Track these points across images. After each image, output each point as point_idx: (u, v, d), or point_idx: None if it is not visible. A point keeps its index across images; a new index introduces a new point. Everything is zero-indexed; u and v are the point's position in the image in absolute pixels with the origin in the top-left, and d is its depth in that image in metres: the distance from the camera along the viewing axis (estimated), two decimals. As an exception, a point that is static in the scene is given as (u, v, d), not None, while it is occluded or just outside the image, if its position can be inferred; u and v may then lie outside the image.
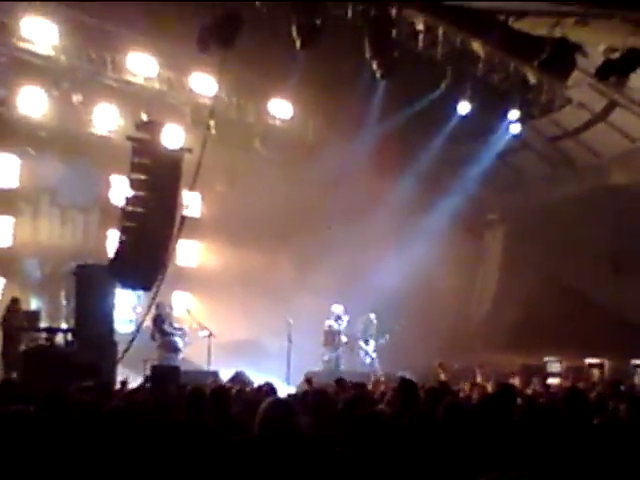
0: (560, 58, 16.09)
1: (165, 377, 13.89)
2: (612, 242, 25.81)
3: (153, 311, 19.37)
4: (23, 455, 5.61)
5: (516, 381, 18.49)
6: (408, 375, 14.11)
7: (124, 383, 13.95)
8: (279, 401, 6.58)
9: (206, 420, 7.59)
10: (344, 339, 23.22)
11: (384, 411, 7.75)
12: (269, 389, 11.55)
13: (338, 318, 23.25)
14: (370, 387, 14.41)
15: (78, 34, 18.86)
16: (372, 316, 23.94)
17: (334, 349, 22.85)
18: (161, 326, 19.56)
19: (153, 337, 19.49)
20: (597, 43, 16.68)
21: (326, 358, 22.54)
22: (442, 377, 15.81)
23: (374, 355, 23.85)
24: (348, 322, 23.44)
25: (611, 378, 21.14)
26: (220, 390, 8.88)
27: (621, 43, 14.94)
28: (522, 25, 16.16)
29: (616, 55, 15.49)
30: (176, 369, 16.27)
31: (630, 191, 23.65)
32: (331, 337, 23.02)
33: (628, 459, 5.98)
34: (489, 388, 13.38)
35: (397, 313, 24.21)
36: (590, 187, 24.78)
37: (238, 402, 9.21)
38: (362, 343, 24.05)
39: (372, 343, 24.03)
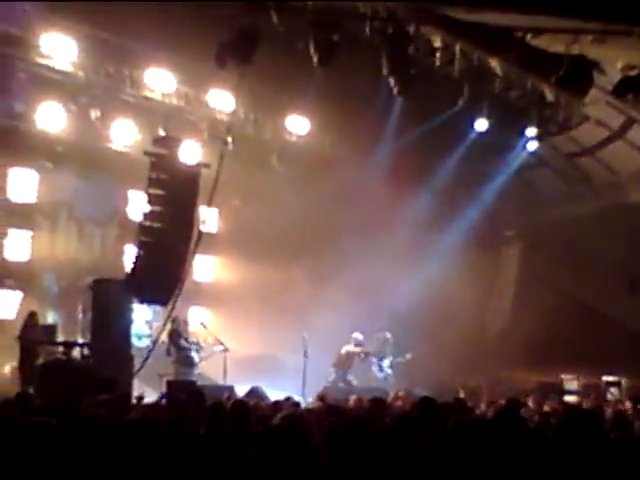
0: (577, 75, 16.07)
1: (185, 392, 13.89)
2: (628, 259, 25.72)
3: (169, 326, 19.42)
4: (42, 466, 5.64)
5: (531, 399, 18.41)
6: (423, 391, 14.15)
7: (140, 398, 13.99)
8: (293, 415, 6.60)
9: (226, 433, 7.61)
10: (357, 360, 23.27)
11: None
12: (292, 403, 11.63)
13: (358, 344, 23.29)
14: (389, 402, 14.42)
15: (97, 50, 18.95)
16: (388, 335, 23.93)
17: (342, 371, 22.81)
18: (177, 341, 19.60)
19: (169, 352, 19.51)
20: (615, 60, 16.66)
21: (331, 379, 22.48)
22: (462, 394, 15.78)
23: (389, 371, 23.84)
24: (365, 352, 23.53)
25: (629, 395, 21.07)
26: (240, 404, 8.92)
27: (639, 60, 14.94)
28: (539, 42, 16.16)
29: (634, 72, 15.49)
30: (193, 383, 16.30)
31: (647, 208, 23.62)
32: (344, 360, 23.04)
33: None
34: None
35: (413, 330, 24.21)
36: (607, 204, 24.74)
37: (255, 416, 9.22)
38: (376, 359, 24.05)
39: (387, 360, 24.02)
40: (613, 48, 15.51)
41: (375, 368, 23.96)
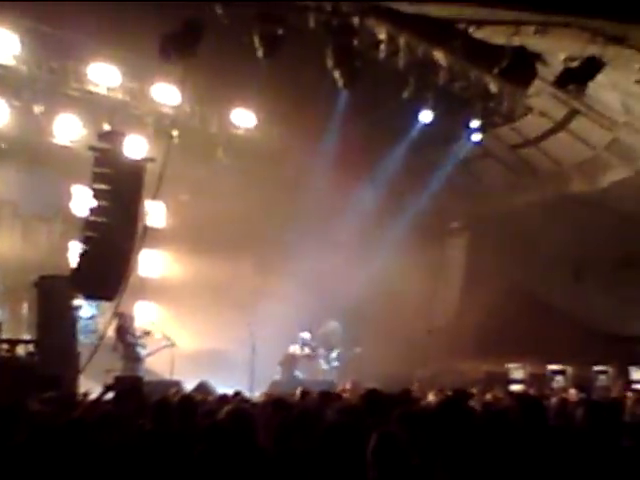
0: (520, 66, 16.19)
1: (127, 387, 13.82)
2: (573, 249, 26.00)
3: (115, 322, 19.30)
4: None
5: (477, 389, 18.54)
6: (371, 383, 14.17)
7: (86, 395, 13.88)
8: (238, 409, 6.59)
9: (172, 429, 7.58)
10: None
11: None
12: (240, 398, 11.62)
13: (305, 344, 23.38)
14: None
15: (39, 44, 18.76)
16: (335, 325, 24.03)
17: (288, 372, 22.88)
18: (123, 337, 19.47)
19: (115, 348, 19.39)
20: (556, 52, 16.82)
21: (277, 377, 22.50)
22: (410, 386, 15.79)
23: (336, 363, 23.93)
24: (312, 349, 23.64)
25: (574, 383, 21.32)
26: (186, 399, 8.90)
27: (580, 52, 15.07)
28: (482, 34, 16.25)
29: (575, 64, 15.62)
30: (139, 379, 16.20)
31: (591, 199, 23.86)
32: (290, 360, 23.12)
33: (582, 462, 6.04)
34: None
35: (362, 322, 24.30)
36: (552, 195, 24.96)
37: (202, 411, 9.19)
38: (323, 350, 24.13)
39: (335, 352, 24.11)
40: (554, 40, 15.65)
41: (322, 360, 24.04)
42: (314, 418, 7.42)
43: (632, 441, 7.01)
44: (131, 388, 12.42)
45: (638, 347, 25.57)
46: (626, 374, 25.85)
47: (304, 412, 7.69)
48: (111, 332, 19.33)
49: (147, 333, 20.15)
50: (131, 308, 21.23)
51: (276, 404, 9.00)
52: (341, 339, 24.37)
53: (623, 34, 14.29)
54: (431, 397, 14.33)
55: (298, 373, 23.02)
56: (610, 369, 25.97)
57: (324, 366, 23.90)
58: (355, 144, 22.06)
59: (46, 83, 19.73)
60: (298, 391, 13.52)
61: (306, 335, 23.58)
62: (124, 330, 19.52)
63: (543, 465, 6.02)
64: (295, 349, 23.35)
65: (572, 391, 15.55)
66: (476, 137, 22.71)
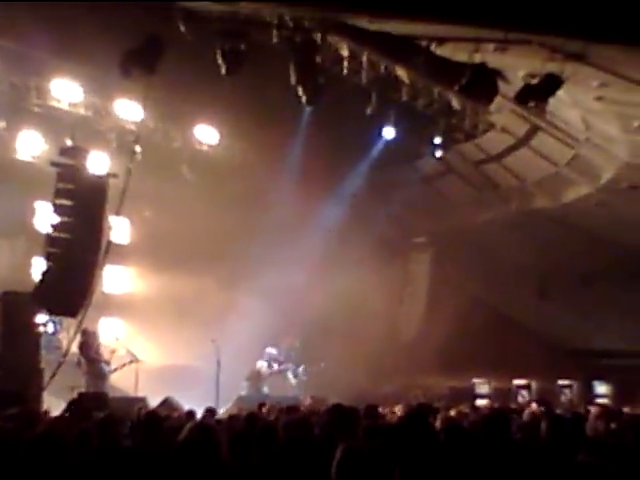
0: (481, 83, 16.26)
1: (91, 404, 13.76)
2: (537, 265, 26.25)
3: (79, 338, 19.22)
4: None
5: (442, 404, 18.60)
6: (337, 399, 14.20)
7: (46, 412, 13.78)
8: (200, 426, 6.60)
9: (137, 445, 7.58)
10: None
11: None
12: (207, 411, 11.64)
13: (271, 361, 23.44)
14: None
15: (0, 60, 18.67)
16: (296, 342, 24.13)
17: (255, 387, 22.95)
18: (87, 353, 19.37)
19: (79, 364, 19.29)
20: (517, 69, 16.96)
21: (243, 393, 22.52)
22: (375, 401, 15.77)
23: (304, 378, 23.97)
24: (279, 364, 23.71)
25: (537, 398, 21.44)
26: (151, 415, 8.92)
27: (540, 68, 15.20)
28: (443, 51, 16.34)
29: (535, 80, 15.76)
30: (103, 395, 16.16)
31: (553, 214, 24.05)
32: (257, 376, 23.19)
33: (540, 476, 6.09)
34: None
35: (327, 338, 24.33)
36: (515, 211, 25.15)
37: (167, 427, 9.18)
38: (292, 366, 24.18)
39: (302, 367, 24.16)
40: (515, 56, 15.77)
41: (290, 375, 24.07)
42: (277, 433, 7.44)
43: (589, 456, 7.07)
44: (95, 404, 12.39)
45: (601, 362, 25.82)
46: (590, 388, 26.09)
47: (267, 427, 7.71)
48: (75, 348, 19.23)
49: (112, 351, 20.11)
50: (95, 324, 21.11)
51: (241, 419, 9.05)
52: (305, 355, 24.40)
53: (582, 51, 14.42)
54: (397, 411, 14.38)
55: (265, 389, 23.03)
56: (574, 383, 26.20)
57: (292, 381, 23.91)
58: (319, 160, 22.13)
59: (8, 98, 19.66)
60: (265, 407, 13.57)
61: (273, 350, 23.63)
62: (88, 346, 19.41)
63: (508, 475, 6.06)
64: (262, 365, 23.38)
65: (533, 405, 15.61)
66: (438, 153, 22.81)
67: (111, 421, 8.07)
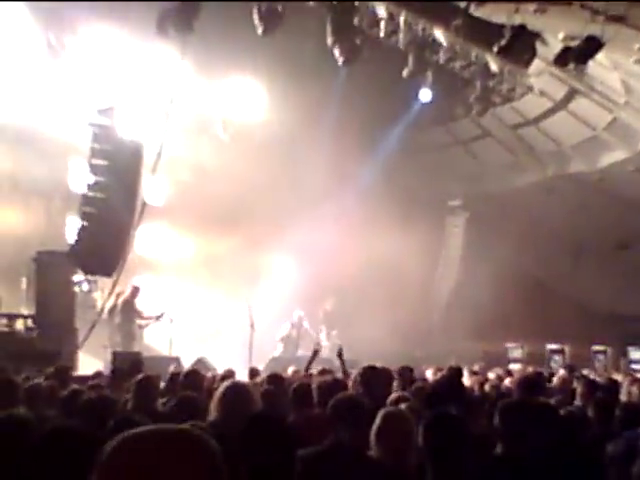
0: (520, 45, 16.15)
1: (126, 364, 13.84)
2: (572, 230, 26.04)
3: (121, 297, 19.37)
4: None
5: (478, 367, 18.59)
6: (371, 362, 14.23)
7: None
8: (236, 385, 6.61)
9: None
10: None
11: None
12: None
13: (296, 324, 23.53)
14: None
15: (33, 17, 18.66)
16: (329, 304, 24.20)
17: (288, 348, 23.08)
18: (128, 313, 19.46)
19: (117, 323, 19.39)
20: (556, 31, 16.78)
21: (276, 354, 22.62)
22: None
23: (337, 342, 23.99)
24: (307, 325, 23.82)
25: (566, 364, 21.37)
26: (193, 374, 9.05)
27: (580, 31, 15.03)
28: (482, 12, 16.22)
29: (575, 43, 15.60)
30: (137, 355, 16.24)
31: (590, 179, 23.86)
32: (289, 337, 23.37)
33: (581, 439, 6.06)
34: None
35: (360, 299, 24.35)
36: (551, 175, 24.99)
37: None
38: (325, 329, 24.25)
39: (334, 331, 24.20)
40: (555, 18, 15.59)
41: (324, 338, 24.12)
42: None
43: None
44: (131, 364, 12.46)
45: (636, 327, 25.67)
46: (624, 354, 25.97)
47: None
48: (115, 307, 19.33)
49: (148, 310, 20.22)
50: (130, 283, 21.20)
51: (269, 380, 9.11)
52: (340, 317, 24.42)
53: (623, 13, 14.24)
54: (429, 375, 14.41)
55: (299, 351, 23.08)
56: (608, 349, 26.10)
57: (326, 343, 23.92)
58: (355, 121, 22.06)
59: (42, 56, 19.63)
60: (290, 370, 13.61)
61: (300, 312, 23.66)
62: (130, 306, 19.51)
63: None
64: (289, 329, 23.47)
65: (561, 371, 15.55)
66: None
67: (148, 383, 8.12)
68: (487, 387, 11.38)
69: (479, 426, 6.57)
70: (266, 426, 4.70)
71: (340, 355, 12.29)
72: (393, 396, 7.42)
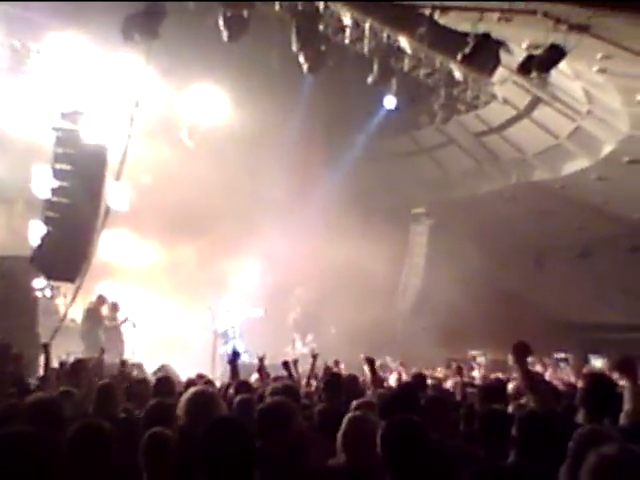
0: (483, 53, 16.26)
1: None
2: (535, 238, 26.26)
3: (88, 304, 19.36)
4: None
5: (441, 374, 18.67)
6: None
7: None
8: (203, 391, 6.62)
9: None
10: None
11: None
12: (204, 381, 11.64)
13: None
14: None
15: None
16: (298, 310, 24.19)
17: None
18: (93, 319, 19.42)
19: (82, 333, 19.33)
20: (520, 39, 16.92)
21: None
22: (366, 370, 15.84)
23: (313, 346, 24.03)
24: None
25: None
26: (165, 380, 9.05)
27: (543, 39, 15.14)
28: (447, 20, 16.29)
29: (538, 51, 15.71)
30: (99, 361, 16.13)
31: (553, 187, 24.05)
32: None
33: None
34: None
35: (326, 305, 24.41)
36: (515, 183, 25.17)
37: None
38: (299, 335, 24.30)
39: (310, 335, 24.27)
40: (518, 27, 15.70)
41: (299, 344, 24.16)
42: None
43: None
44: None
45: (598, 335, 25.87)
46: (586, 362, 26.14)
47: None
48: (72, 313, 19.26)
49: (113, 317, 20.17)
50: (92, 289, 21.09)
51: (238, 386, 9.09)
52: (309, 323, 24.54)
53: (586, 22, 14.37)
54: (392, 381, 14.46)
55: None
56: (570, 356, 26.26)
57: (302, 350, 23.89)
58: (319, 128, 22.11)
59: (7, 61, 19.53)
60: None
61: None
62: (95, 313, 19.49)
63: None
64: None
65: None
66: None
67: (108, 389, 8.12)
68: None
69: (443, 432, 6.57)
70: (228, 429, 4.69)
71: (314, 357, 12.39)
72: (357, 402, 7.43)
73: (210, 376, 15.94)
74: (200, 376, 12.79)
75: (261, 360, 11.96)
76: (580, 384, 14.02)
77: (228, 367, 19.05)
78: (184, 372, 15.68)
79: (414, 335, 25.57)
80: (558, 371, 25.22)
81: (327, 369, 13.56)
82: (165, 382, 9.11)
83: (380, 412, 6.59)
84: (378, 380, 10.35)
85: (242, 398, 7.70)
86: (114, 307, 20.11)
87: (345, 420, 5.75)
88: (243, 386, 9.34)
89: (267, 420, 5.77)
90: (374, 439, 5.18)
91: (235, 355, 11.10)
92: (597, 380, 7.18)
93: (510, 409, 7.83)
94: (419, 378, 11.17)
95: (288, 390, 7.92)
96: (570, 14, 14.16)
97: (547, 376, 16.84)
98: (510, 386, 11.77)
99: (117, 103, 20.50)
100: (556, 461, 4.78)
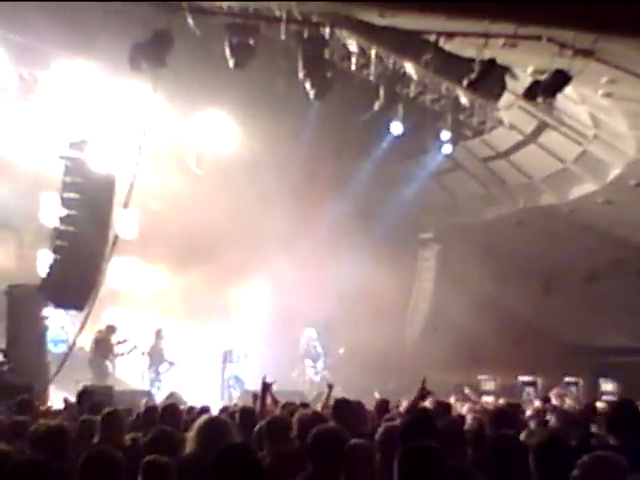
0: (489, 79, 16.28)
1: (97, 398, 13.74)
2: (543, 262, 26.20)
3: (98, 334, 19.40)
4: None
5: (452, 399, 18.59)
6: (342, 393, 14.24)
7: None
8: (214, 419, 6.63)
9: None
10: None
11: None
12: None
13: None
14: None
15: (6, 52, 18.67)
16: (312, 331, 24.18)
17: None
18: (101, 349, 19.45)
19: (89, 361, 19.36)
20: (525, 65, 16.96)
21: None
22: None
23: (325, 372, 23.98)
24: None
25: (540, 395, 21.38)
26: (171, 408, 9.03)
27: (548, 64, 15.18)
28: (452, 46, 16.34)
29: (543, 77, 15.74)
30: (108, 389, 16.16)
31: (560, 211, 24.01)
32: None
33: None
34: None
35: (334, 332, 24.38)
36: (522, 207, 25.14)
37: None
38: (311, 362, 24.26)
39: (321, 361, 24.23)
40: (524, 52, 15.72)
41: (311, 372, 24.13)
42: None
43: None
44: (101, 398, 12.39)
45: (607, 359, 25.76)
46: (596, 386, 26.01)
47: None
48: (81, 342, 19.29)
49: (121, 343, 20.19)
50: (101, 317, 21.11)
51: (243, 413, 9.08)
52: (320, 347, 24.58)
53: (591, 47, 14.40)
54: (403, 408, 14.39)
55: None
56: (580, 380, 26.13)
57: (315, 378, 23.87)
58: (326, 155, 22.15)
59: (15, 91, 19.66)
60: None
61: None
62: (105, 342, 19.53)
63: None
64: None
65: (537, 402, 15.61)
66: (446, 149, 22.82)
67: (115, 416, 8.12)
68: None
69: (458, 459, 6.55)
70: (237, 457, 4.70)
71: (330, 387, 12.25)
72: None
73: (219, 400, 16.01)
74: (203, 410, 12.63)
75: (269, 385, 11.81)
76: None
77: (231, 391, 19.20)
78: (192, 397, 15.72)
79: (423, 359, 25.49)
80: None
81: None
82: (171, 410, 9.11)
83: (400, 436, 6.56)
84: (265, 411, 10.09)
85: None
86: (111, 330, 20.10)
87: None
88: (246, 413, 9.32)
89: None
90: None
91: (265, 385, 10.89)
92: (623, 405, 7.13)
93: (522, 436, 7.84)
94: (442, 405, 11.14)
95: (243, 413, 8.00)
96: (575, 39, 14.19)
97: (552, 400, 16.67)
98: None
99: (125, 131, 20.62)
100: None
